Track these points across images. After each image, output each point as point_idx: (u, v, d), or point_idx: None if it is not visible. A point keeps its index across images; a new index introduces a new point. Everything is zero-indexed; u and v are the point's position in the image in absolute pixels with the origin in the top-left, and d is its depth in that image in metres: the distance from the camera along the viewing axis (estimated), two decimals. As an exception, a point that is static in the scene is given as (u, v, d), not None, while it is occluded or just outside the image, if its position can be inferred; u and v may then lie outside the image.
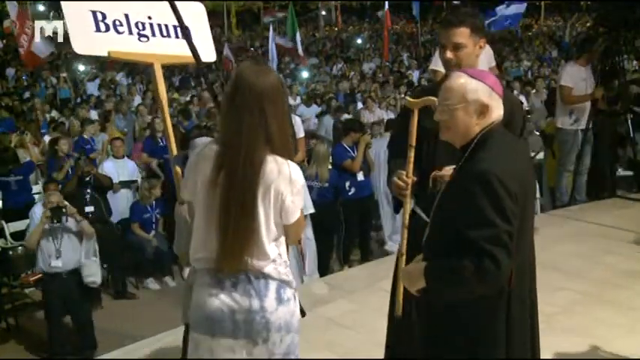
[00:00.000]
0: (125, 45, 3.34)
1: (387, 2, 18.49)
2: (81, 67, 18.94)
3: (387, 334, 3.12)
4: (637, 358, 3.56)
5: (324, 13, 39.31)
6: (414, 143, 2.59)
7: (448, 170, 2.52)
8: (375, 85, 14.79)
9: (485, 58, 5.27)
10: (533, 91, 11.72)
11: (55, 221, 5.49)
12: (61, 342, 5.50)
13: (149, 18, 3.46)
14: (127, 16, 3.37)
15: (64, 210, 5.52)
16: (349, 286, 4.68)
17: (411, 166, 2.61)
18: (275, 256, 2.32)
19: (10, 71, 20.42)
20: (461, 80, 2.14)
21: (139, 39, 3.39)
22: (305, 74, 18.44)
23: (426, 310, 2.33)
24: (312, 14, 41.01)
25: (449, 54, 2.73)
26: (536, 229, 5.11)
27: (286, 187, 2.25)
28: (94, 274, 5.66)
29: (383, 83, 15.10)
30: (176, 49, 3.49)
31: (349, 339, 3.57)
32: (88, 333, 5.57)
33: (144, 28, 3.42)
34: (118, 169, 7.93)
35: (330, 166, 6.92)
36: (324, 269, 6.38)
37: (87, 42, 3.26)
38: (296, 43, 18.69)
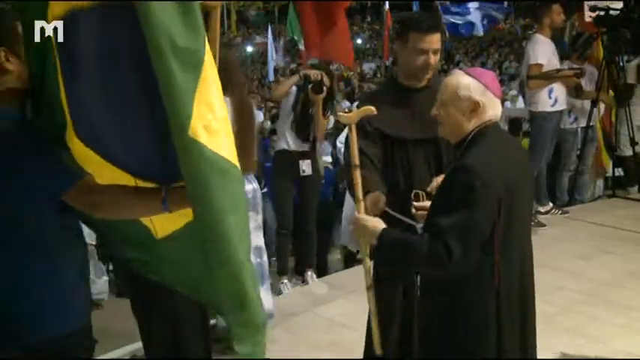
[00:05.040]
0: None
1: (387, 2, 18.46)
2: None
3: None
4: (637, 359, 3.57)
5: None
6: (357, 162, 2.37)
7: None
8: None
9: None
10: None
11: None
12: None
13: None
14: None
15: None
16: (349, 286, 4.67)
17: (359, 188, 2.36)
18: None
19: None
20: (456, 77, 2.19)
21: None
22: None
23: (423, 310, 2.35)
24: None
25: (433, 59, 2.77)
26: (535, 229, 5.08)
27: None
28: (102, 292, 5.87)
29: (383, 83, 15.11)
30: None
31: (349, 339, 3.57)
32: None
33: None
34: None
35: (331, 166, 6.91)
36: (323, 269, 6.36)
37: None
38: (297, 42, 18.63)
